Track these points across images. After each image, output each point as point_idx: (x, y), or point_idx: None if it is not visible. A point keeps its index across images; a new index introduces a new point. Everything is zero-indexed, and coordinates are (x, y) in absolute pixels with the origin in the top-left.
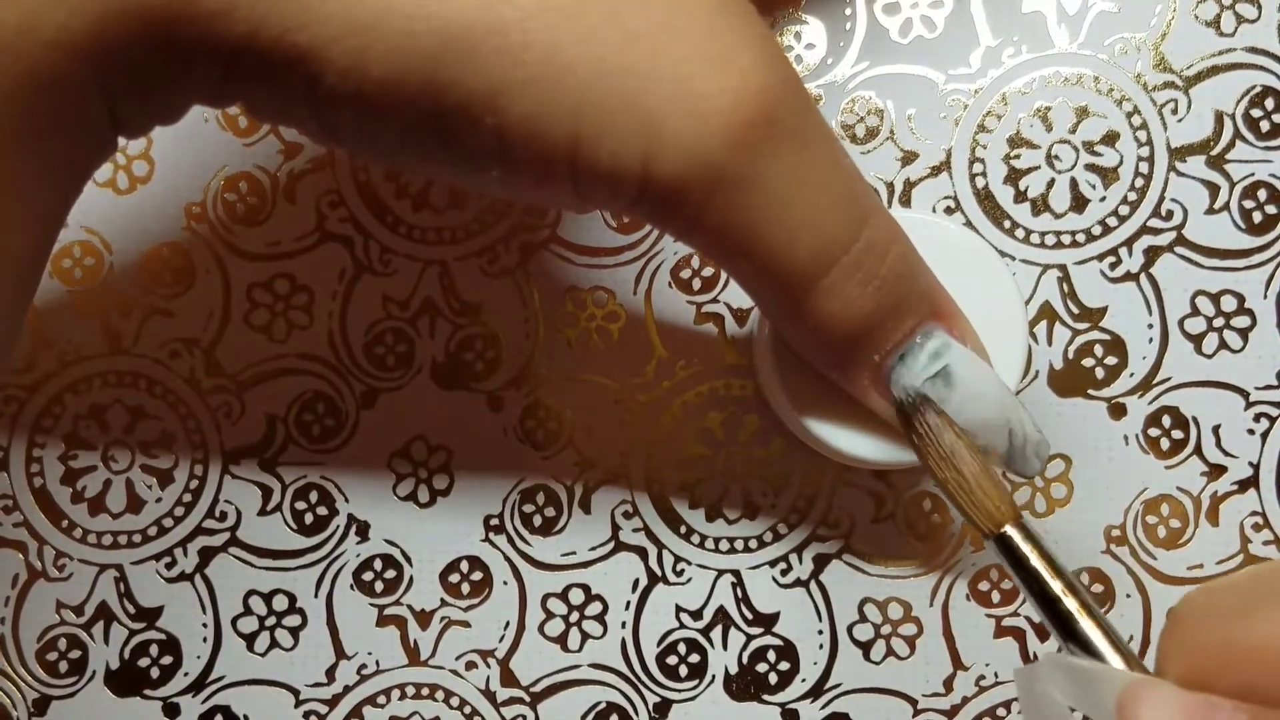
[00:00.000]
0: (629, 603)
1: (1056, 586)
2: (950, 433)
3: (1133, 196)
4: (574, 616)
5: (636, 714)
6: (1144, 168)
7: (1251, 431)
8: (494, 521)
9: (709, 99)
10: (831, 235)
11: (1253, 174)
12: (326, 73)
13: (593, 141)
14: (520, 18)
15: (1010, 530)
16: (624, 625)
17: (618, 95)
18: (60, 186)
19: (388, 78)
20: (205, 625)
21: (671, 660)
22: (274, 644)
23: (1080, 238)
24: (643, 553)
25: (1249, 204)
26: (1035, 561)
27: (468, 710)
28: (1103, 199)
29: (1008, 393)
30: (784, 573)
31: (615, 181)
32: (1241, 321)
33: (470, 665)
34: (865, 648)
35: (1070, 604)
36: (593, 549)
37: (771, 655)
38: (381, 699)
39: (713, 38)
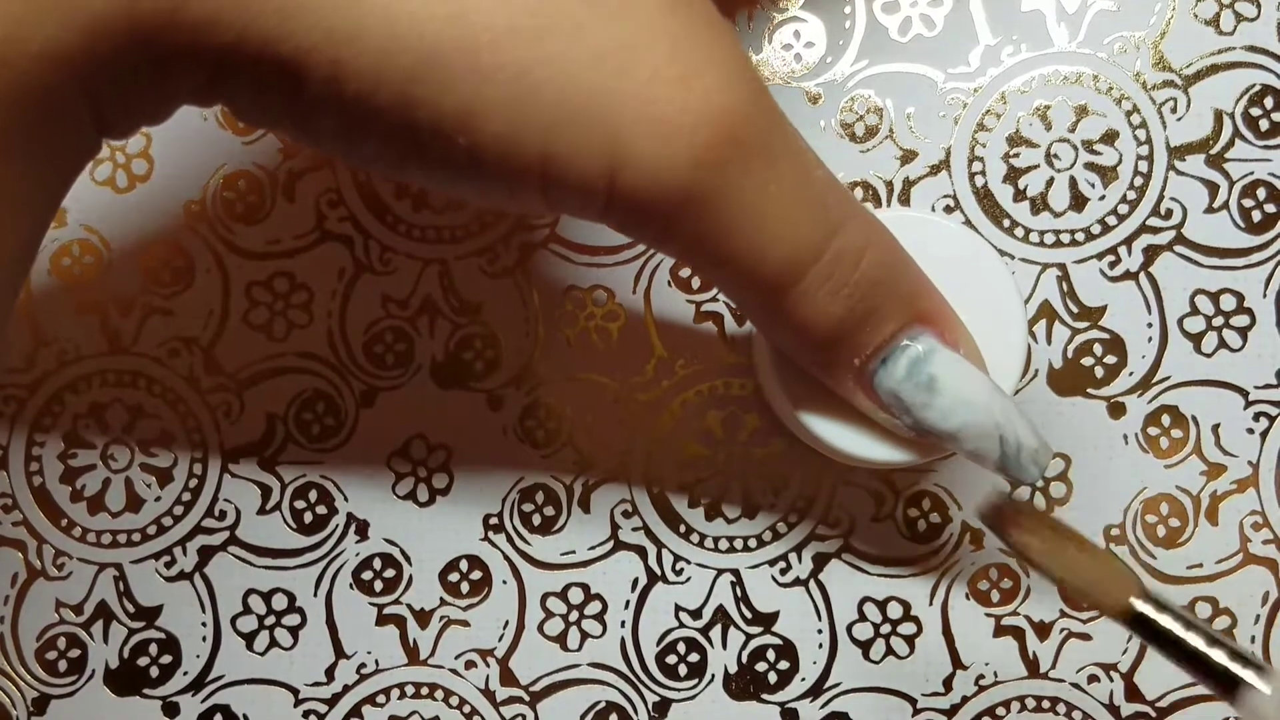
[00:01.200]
0: (628, 602)
1: (1217, 655)
2: (1038, 532)
3: (1132, 195)
4: (573, 616)
5: (636, 713)
6: (1143, 166)
7: (1251, 431)
8: (493, 520)
9: (671, 119)
10: (800, 246)
11: (1252, 173)
12: (307, 83)
13: (560, 159)
14: (492, 39)
15: (1138, 605)
16: (623, 624)
17: (584, 115)
18: (46, 189)
19: (363, 92)
20: (204, 624)
21: (671, 659)
22: (273, 643)
23: (1079, 236)
24: (642, 552)
25: (1248, 203)
26: (1177, 631)
27: (467, 709)
28: (1102, 198)
29: (1000, 398)
30: (783, 572)
31: (582, 196)
32: (1241, 320)
33: (470, 664)
34: (865, 647)
35: (1222, 658)
36: (592, 548)
37: (771, 654)
38: (381, 698)
39: (676, 59)
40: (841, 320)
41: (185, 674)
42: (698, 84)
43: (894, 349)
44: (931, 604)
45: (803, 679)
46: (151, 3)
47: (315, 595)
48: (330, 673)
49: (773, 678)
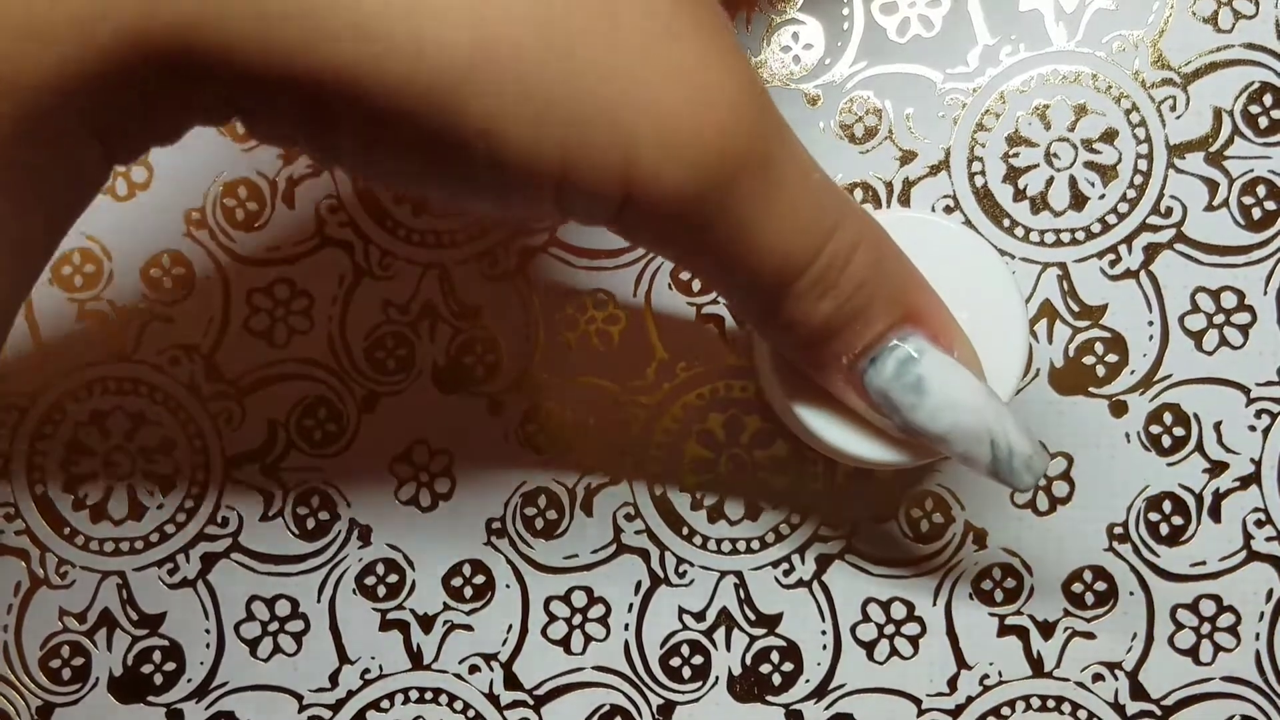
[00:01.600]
0: (631, 605)
1: None
2: None
3: (1132, 194)
4: (577, 619)
5: (640, 716)
6: (1143, 165)
7: (1253, 428)
8: (496, 525)
9: (685, 134)
10: (798, 251)
11: (1251, 170)
12: (328, 102)
13: (577, 171)
14: (515, 54)
15: None
16: (627, 627)
17: (601, 129)
18: (44, 215)
19: (388, 109)
20: (208, 631)
21: (675, 662)
22: (277, 649)
23: (1080, 235)
24: (645, 554)
25: (1248, 200)
26: None
27: (471, 714)
28: (1102, 196)
29: (992, 402)
30: (786, 573)
31: (596, 207)
32: (1242, 318)
33: (473, 669)
34: (869, 648)
35: None
36: (595, 551)
37: (775, 656)
38: (385, 704)
39: (690, 75)
40: (830, 318)
41: (189, 681)
42: (709, 99)
43: (883, 348)
44: (935, 604)
45: (807, 680)
46: (163, 28)
47: (319, 601)
48: (334, 679)
49: (777, 679)
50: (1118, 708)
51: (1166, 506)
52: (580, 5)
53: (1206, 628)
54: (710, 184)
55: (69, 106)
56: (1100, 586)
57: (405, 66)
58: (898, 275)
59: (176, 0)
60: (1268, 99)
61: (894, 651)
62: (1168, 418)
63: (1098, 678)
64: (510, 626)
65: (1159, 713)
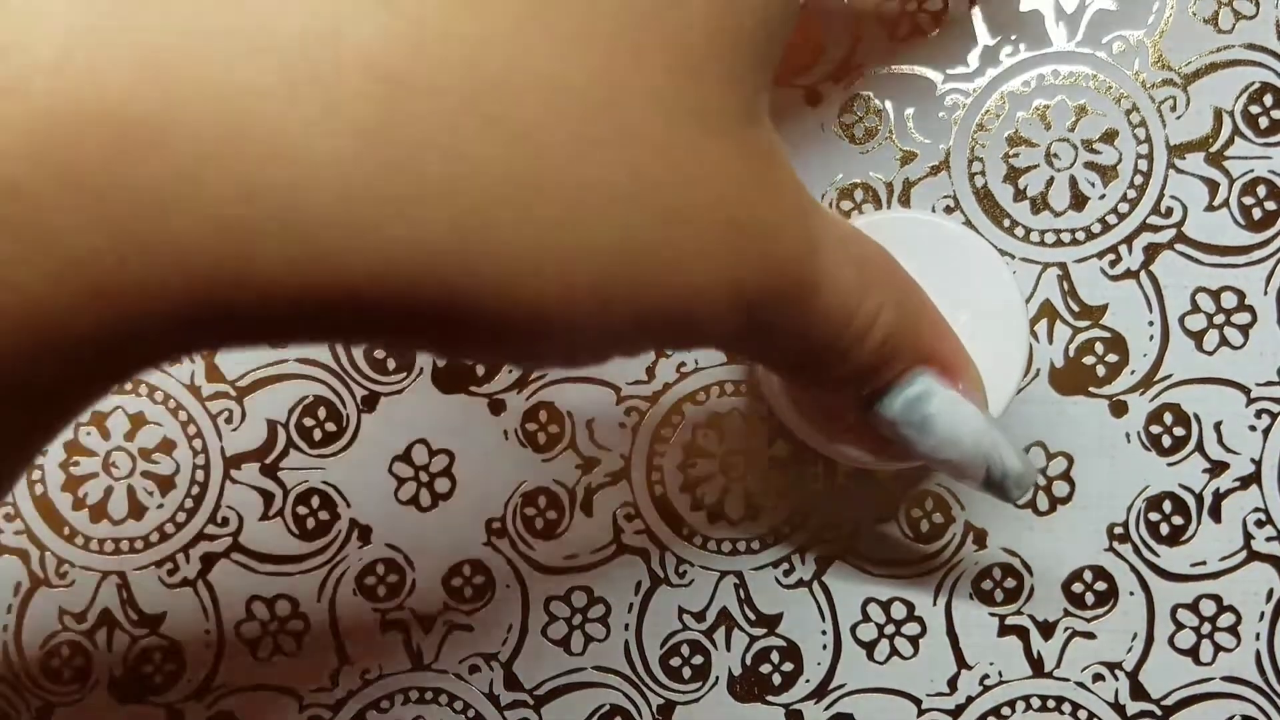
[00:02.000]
0: (632, 605)
1: None
2: None
3: (1132, 194)
4: (577, 619)
5: (640, 716)
6: (1143, 165)
7: (1253, 428)
8: (496, 525)
9: (733, 283)
10: (829, 335)
11: (1252, 170)
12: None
13: (638, 345)
14: (594, 282)
15: None
16: (627, 627)
17: (670, 303)
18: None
19: (451, 350)
20: (208, 631)
21: (675, 662)
22: (277, 649)
23: (1080, 235)
24: (645, 554)
25: (1248, 200)
26: None
27: (471, 714)
28: (1102, 197)
29: (988, 431)
30: (787, 573)
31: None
32: (1242, 318)
33: (474, 669)
34: (869, 648)
35: None
36: (595, 551)
37: (775, 656)
38: (385, 704)
39: (738, 222)
40: (852, 372)
41: (189, 681)
42: (760, 254)
43: (891, 388)
44: (935, 604)
45: (807, 680)
46: (231, 283)
47: (319, 601)
48: (334, 679)
49: (777, 679)
50: (1118, 708)
51: (1166, 506)
52: (655, 213)
53: (1207, 628)
54: (755, 319)
55: (54, 390)
56: (1100, 586)
57: (494, 314)
58: (917, 323)
59: (183, 266)
60: (1268, 99)
61: (894, 651)
62: (1168, 418)
63: (1098, 678)
64: (510, 626)
65: (1159, 713)
